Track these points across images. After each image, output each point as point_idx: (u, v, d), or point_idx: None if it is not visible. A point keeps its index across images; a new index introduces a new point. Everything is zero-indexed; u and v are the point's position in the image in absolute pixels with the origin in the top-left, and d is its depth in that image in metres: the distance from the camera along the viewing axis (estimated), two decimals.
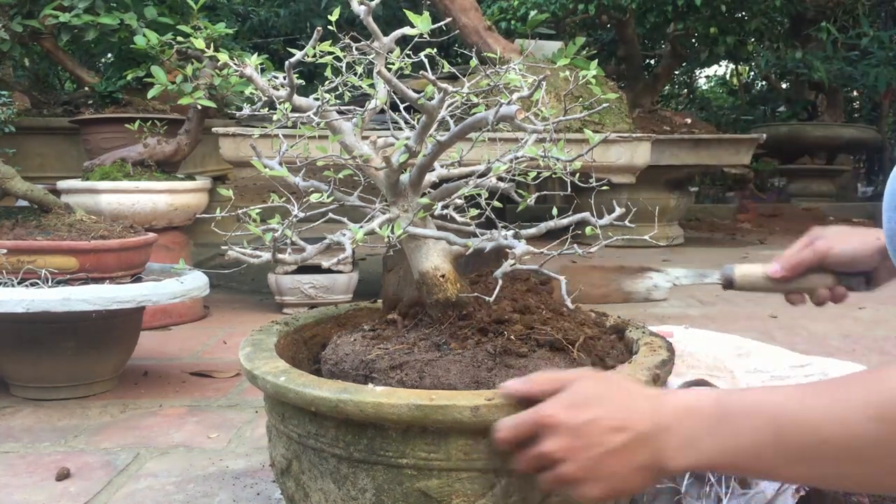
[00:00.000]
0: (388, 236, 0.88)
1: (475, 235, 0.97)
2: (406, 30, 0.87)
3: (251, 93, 1.01)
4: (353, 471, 0.83)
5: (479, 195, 1.01)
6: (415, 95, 0.88)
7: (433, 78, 0.85)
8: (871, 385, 0.57)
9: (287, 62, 0.92)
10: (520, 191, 1.03)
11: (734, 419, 0.63)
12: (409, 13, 0.86)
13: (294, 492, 0.91)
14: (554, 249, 0.93)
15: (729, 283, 1.08)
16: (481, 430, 0.78)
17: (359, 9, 0.88)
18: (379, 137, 1.04)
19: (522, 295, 1.03)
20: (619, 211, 0.97)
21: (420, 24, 0.84)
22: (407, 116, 1.12)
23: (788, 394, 0.63)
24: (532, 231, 0.97)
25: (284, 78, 0.96)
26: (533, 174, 1.04)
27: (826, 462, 0.58)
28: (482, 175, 0.97)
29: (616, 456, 0.66)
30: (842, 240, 0.97)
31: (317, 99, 0.98)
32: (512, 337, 0.92)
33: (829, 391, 0.61)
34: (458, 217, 1.05)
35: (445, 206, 1.02)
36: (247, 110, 1.02)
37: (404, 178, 0.98)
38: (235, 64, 0.96)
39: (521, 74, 0.94)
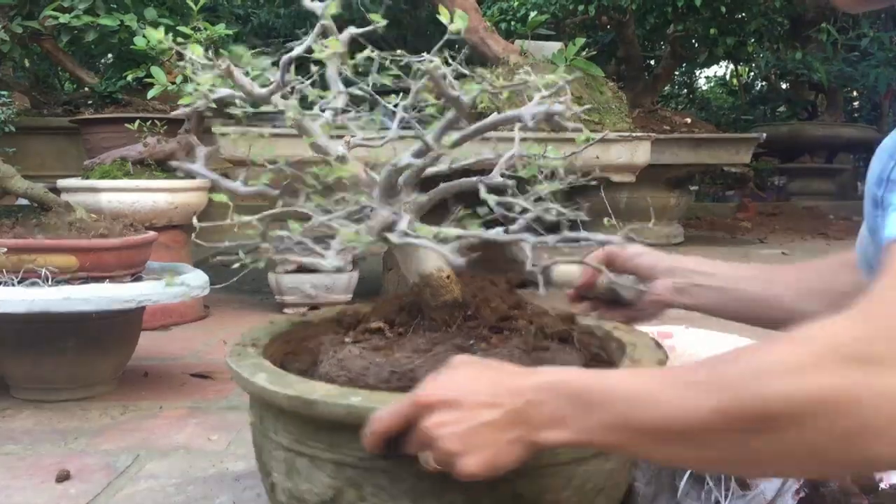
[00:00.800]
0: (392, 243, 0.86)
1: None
2: (359, 30, 0.86)
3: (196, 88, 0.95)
4: (442, 486, 0.78)
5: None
6: (456, 93, 0.86)
7: (467, 73, 0.83)
8: (718, 379, 0.61)
9: (283, 59, 0.90)
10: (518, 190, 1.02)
11: (593, 398, 0.66)
12: (441, 9, 0.86)
13: None
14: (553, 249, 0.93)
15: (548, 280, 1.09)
16: None
17: (312, 6, 0.86)
18: (351, 137, 1.02)
19: (506, 294, 1.02)
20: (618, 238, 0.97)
21: (457, 22, 0.83)
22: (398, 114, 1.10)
23: (646, 379, 0.67)
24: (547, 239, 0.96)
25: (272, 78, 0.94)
26: (533, 170, 1.03)
27: (672, 444, 0.62)
28: (481, 172, 0.97)
29: (489, 428, 0.68)
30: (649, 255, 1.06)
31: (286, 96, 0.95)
32: (531, 331, 0.93)
33: (683, 379, 0.64)
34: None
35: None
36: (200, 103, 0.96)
37: (402, 177, 0.96)
38: (210, 59, 0.92)
39: (534, 75, 0.93)
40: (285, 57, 0.91)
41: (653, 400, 0.63)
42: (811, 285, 1.01)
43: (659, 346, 1.00)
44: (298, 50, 0.93)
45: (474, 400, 0.69)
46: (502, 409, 0.68)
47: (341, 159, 0.92)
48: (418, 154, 0.93)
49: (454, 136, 0.90)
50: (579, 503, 0.85)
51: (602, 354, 1.04)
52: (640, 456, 0.66)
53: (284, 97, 0.95)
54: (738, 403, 0.57)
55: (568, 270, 1.09)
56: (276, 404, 0.84)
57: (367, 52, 0.94)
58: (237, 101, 0.95)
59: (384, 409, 0.73)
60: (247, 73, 0.94)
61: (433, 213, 0.99)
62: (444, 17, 0.85)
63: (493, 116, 0.89)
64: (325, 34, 0.91)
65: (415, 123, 1.07)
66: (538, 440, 0.68)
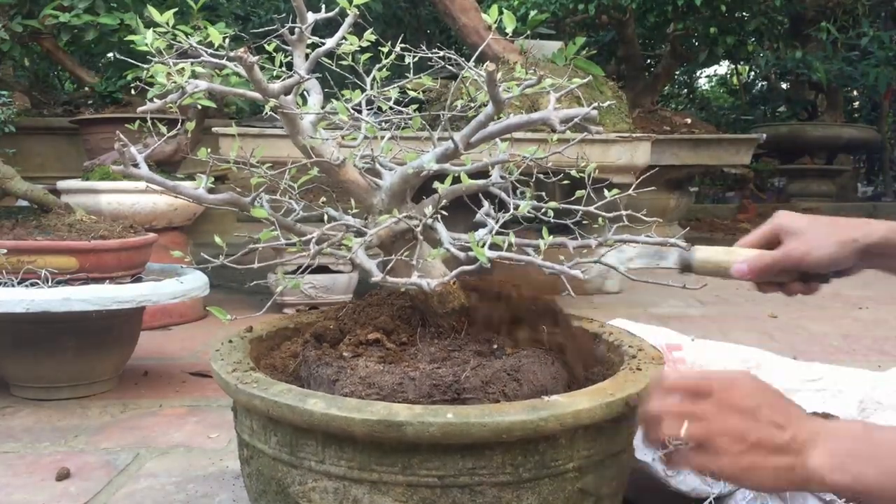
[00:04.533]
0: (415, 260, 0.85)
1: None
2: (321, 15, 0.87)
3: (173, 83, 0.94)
4: (518, 494, 0.80)
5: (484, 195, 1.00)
6: (506, 95, 0.85)
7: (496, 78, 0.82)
8: None
9: (313, 52, 0.90)
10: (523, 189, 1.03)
11: (877, 449, 0.68)
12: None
13: None
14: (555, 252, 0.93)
15: (687, 268, 1.00)
16: (624, 417, 0.85)
17: None
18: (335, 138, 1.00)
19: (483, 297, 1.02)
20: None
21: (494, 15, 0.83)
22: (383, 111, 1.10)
23: None
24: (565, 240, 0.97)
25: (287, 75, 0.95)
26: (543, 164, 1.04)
27: None
28: (483, 175, 0.97)
29: (766, 448, 0.70)
30: (818, 243, 0.92)
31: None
32: (542, 329, 0.96)
33: None
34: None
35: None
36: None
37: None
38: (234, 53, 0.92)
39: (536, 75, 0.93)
40: (318, 50, 0.90)
41: None
42: None
43: (654, 347, 1.03)
44: (329, 44, 0.93)
45: (764, 415, 0.70)
46: (788, 434, 0.69)
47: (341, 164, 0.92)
48: (444, 156, 0.90)
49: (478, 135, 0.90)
50: (619, 487, 0.90)
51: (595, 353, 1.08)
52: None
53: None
54: None
55: (711, 259, 0.96)
56: (334, 430, 0.79)
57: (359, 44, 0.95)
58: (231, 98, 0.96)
59: (677, 376, 0.76)
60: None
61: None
62: (491, 16, 0.86)
63: (521, 117, 0.89)
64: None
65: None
66: (812, 476, 0.68)
